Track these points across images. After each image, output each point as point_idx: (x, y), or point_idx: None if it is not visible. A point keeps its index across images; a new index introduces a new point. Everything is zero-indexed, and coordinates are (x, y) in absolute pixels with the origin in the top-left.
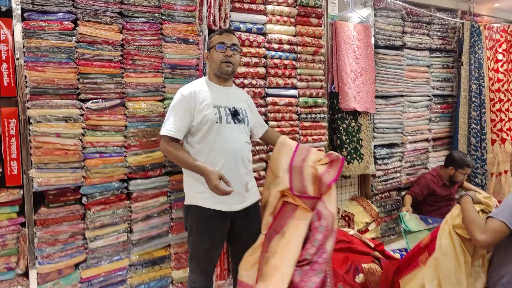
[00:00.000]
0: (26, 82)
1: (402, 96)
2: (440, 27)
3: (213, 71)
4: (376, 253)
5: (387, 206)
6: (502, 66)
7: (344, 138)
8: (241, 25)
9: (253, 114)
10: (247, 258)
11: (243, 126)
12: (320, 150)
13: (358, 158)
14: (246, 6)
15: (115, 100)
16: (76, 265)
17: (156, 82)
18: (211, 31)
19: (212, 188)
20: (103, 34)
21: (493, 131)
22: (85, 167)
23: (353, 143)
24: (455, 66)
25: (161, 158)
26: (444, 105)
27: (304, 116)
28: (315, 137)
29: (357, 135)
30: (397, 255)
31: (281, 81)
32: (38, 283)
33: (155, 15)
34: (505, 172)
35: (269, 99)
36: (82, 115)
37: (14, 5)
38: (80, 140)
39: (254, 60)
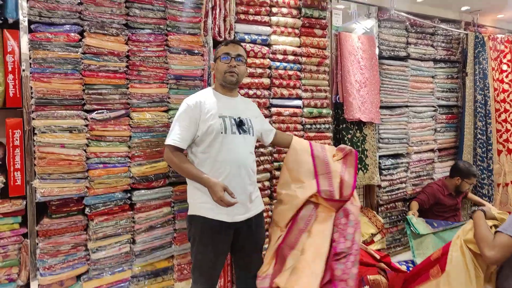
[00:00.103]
0: (31, 93)
1: (407, 106)
2: (444, 38)
3: (218, 81)
4: (382, 265)
5: (393, 217)
6: (507, 76)
7: None
8: (246, 36)
9: (260, 122)
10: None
11: (248, 136)
12: (329, 144)
13: (363, 168)
14: (251, 17)
15: (120, 110)
16: (78, 277)
17: (161, 92)
18: (216, 42)
19: (216, 200)
20: (109, 45)
21: (499, 141)
22: (88, 178)
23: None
24: (459, 76)
25: (165, 169)
26: (449, 115)
27: (308, 126)
28: None
29: (362, 146)
30: (403, 267)
31: (285, 92)
32: None
33: (160, 26)
34: None
35: (273, 109)
36: (86, 125)
37: (21, 17)
38: (84, 150)
39: (259, 70)
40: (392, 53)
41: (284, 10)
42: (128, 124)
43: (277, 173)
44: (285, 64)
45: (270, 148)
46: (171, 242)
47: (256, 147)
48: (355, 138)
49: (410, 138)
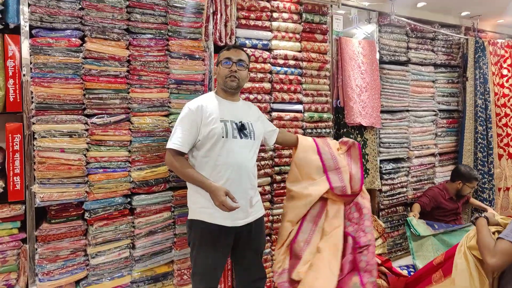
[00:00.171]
0: (32, 97)
1: (407, 111)
2: (444, 43)
3: (220, 85)
4: (383, 268)
5: (394, 222)
6: (507, 81)
7: None
8: (247, 41)
9: (262, 124)
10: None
11: (249, 141)
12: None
13: (364, 173)
14: (251, 22)
15: (120, 115)
16: (77, 282)
17: (161, 97)
18: (217, 47)
19: (218, 205)
20: (110, 50)
21: (499, 145)
22: (88, 182)
23: None
24: (460, 81)
25: (165, 173)
26: (450, 119)
27: (309, 130)
28: None
29: (363, 150)
30: (405, 272)
31: (286, 96)
32: None
33: (161, 31)
34: None
35: (274, 114)
36: (86, 130)
37: (22, 22)
38: (84, 155)
39: (260, 75)
40: (393, 58)
41: (285, 15)
42: (128, 129)
43: (278, 177)
44: (286, 69)
45: (270, 153)
46: (171, 247)
47: None
48: None
49: (411, 142)
